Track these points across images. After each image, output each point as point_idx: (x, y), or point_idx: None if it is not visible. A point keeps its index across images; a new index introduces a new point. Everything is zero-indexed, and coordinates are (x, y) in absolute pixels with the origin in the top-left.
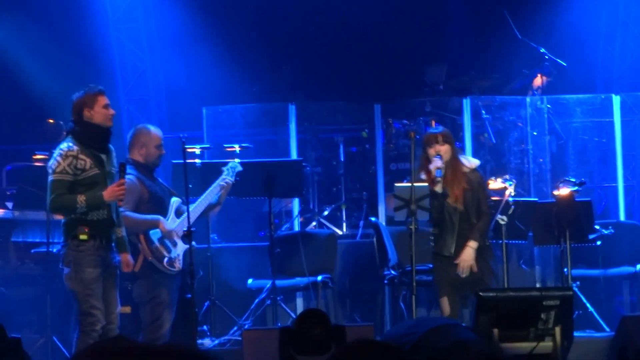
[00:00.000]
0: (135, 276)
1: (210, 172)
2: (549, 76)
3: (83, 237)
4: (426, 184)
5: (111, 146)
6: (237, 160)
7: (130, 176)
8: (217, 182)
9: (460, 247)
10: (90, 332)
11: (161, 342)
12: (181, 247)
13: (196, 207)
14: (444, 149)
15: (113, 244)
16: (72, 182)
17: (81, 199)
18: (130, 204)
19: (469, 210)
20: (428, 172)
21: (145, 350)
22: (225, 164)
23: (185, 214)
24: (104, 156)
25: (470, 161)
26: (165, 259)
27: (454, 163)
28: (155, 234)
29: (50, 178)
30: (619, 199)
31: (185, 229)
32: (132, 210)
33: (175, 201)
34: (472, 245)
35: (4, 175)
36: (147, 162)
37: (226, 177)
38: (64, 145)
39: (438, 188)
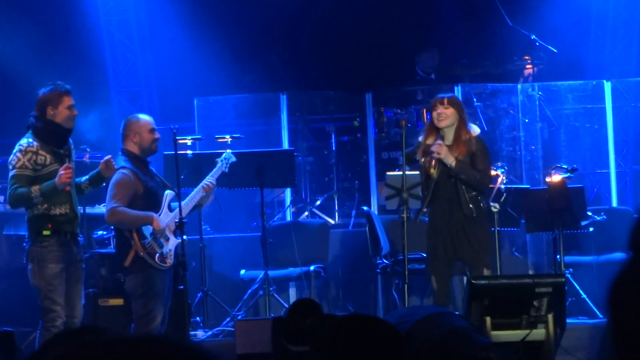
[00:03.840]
0: (128, 270)
1: (202, 163)
2: (538, 65)
3: (46, 232)
4: (417, 172)
5: (70, 140)
6: (229, 150)
7: (125, 170)
8: (210, 173)
9: (448, 214)
10: (50, 327)
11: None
12: (173, 242)
13: (189, 201)
14: (448, 112)
15: (81, 237)
16: (33, 177)
17: (35, 188)
18: (125, 199)
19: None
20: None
21: (113, 341)
22: (219, 154)
23: (176, 209)
24: (62, 152)
25: (472, 128)
26: (157, 255)
27: (458, 129)
28: (147, 229)
29: (10, 173)
30: (611, 185)
31: (177, 221)
32: (126, 205)
33: (168, 194)
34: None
35: None
36: (142, 150)
37: (209, 179)
38: (23, 141)
39: (434, 173)
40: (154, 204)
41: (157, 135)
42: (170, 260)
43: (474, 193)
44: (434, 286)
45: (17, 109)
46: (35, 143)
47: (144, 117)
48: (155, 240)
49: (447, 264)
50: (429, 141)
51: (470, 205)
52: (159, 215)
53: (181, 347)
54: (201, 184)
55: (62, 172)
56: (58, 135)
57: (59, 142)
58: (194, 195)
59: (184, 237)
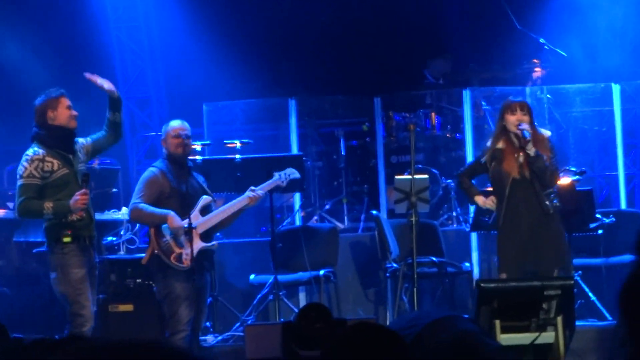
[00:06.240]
0: (150, 271)
1: (211, 168)
2: (547, 68)
3: (67, 239)
4: (426, 176)
5: (77, 139)
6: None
7: (154, 169)
8: (262, 185)
9: (527, 213)
10: (79, 332)
11: (182, 337)
12: (197, 245)
13: (225, 208)
14: (527, 119)
15: (94, 241)
16: (41, 186)
17: (48, 205)
18: (148, 197)
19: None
20: (507, 140)
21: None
22: (230, 159)
23: (211, 213)
24: (70, 156)
25: (543, 131)
26: (174, 254)
27: (534, 131)
28: (167, 228)
29: (18, 183)
30: (620, 187)
31: (204, 228)
32: (150, 203)
33: (203, 198)
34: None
35: (5, 175)
36: (169, 154)
37: (258, 190)
38: (29, 151)
39: (530, 151)
40: (182, 206)
41: (180, 140)
42: (188, 262)
43: (547, 191)
44: None
45: (27, 117)
46: (40, 151)
47: (172, 123)
48: (174, 240)
49: (521, 264)
50: (500, 145)
51: (547, 202)
52: (188, 216)
53: (167, 351)
54: (247, 194)
55: (77, 197)
56: (64, 138)
57: (65, 145)
58: (234, 203)
59: (214, 242)
